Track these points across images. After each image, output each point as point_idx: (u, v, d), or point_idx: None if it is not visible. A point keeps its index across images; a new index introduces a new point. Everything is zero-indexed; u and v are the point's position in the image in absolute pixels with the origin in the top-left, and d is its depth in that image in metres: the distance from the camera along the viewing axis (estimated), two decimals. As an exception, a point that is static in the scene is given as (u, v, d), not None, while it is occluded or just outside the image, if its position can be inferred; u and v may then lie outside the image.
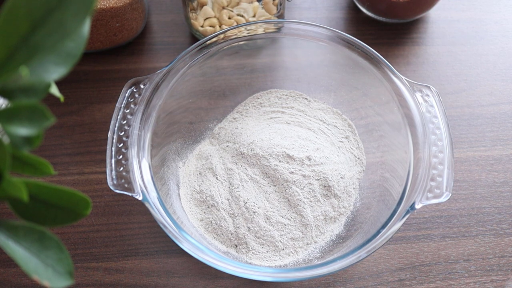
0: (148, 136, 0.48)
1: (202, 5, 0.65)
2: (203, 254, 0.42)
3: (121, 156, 0.45)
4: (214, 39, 0.53)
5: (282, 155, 0.52)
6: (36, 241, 0.25)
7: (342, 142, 0.57)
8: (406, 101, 0.49)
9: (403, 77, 0.50)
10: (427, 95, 0.48)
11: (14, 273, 0.51)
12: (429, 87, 0.49)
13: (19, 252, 0.24)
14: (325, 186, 0.52)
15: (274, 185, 0.52)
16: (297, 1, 0.73)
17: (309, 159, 0.52)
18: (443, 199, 0.42)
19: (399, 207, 0.43)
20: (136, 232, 0.54)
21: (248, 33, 0.55)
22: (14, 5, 0.21)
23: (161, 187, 0.49)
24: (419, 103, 0.48)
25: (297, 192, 0.51)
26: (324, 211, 0.51)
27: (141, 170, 0.45)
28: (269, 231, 0.50)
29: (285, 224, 0.50)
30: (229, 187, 0.52)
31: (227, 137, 0.57)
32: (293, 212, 0.51)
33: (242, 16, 0.64)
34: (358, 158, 0.56)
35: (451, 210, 0.55)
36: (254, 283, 0.50)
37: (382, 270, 0.51)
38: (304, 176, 0.52)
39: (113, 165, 0.45)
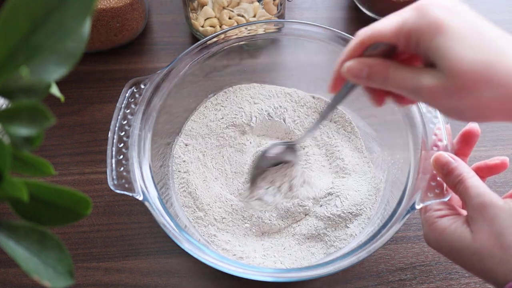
0: (148, 136, 0.48)
1: (202, 5, 0.65)
2: (204, 254, 0.42)
3: (121, 156, 0.45)
4: (215, 39, 0.54)
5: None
6: (36, 241, 0.25)
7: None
8: (406, 101, 0.49)
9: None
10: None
11: (15, 273, 0.51)
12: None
13: (20, 252, 0.24)
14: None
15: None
16: (298, 1, 0.73)
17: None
18: (443, 199, 0.42)
19: (400, 207, 0.43)
20: (136, 232, 0.54)
21: (248, 33, 0.55)
22: (15, 5, 0.21)
23: (161, 187, 0.49)
24: (419, 103, 0.48)
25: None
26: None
27: (141, 170, 0.45)
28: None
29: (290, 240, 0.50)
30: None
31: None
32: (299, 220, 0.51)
33: (242, 16, 0.64)
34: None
35: (452, 210, 0.55)
36: (254, 283, 0.50)
37: (382, 270, 0.51)
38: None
39: (113, 165, 0.45)
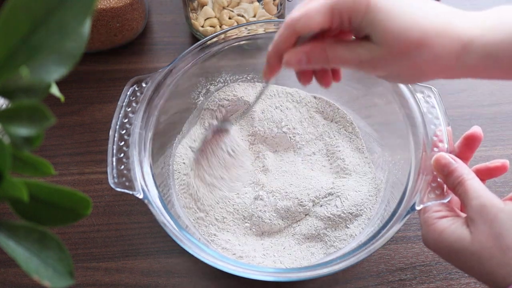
0: (149, 135, 0.48)
1: (202, 5, 0.65)
2: (204, 253, 0.41)
3: (122, 155, 0.45)
4: (215, 39, 0.54)
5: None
6: (36, 241, 0.25)
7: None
8: (407, 102, 0.48)
9: (404, 78, 0.50)
10: (429, 96, 0.48)
11: (15, 273, 0.51)
12: (430, 88, 0.49)
13: (20, 252, 0.24)
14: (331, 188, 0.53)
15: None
16: (298, 1, 0.73)
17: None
18: (443, 200, 0.42)
19: (400, 208, 0.43)
20: (136, 232, 0.54)
21: (248, 33, 0.55)
22: (15, 5, 0.21)
23: (161, 185, 0.49)
24: (420, 104, 0.48)
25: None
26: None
27: (142, 168, 0.45)
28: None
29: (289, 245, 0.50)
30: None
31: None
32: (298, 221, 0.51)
33: (242, 16, 0.64)
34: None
35: (452, 210, 0.55)
36: (255, 283, 0.50)
37: (382, 270, 0.51)
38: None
39: (114, 163, 0.45)
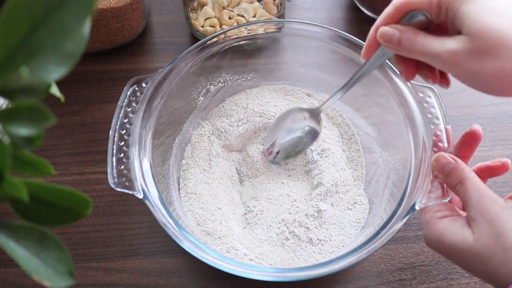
0: (149, 135, 0.48)
1: (202, 5, 0.65)
2: (204, 253, 0.41)
3: (122, 154, 0.45)
4: (215, 39, 0.54)
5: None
6: (36, 241, 0.25)
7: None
8: (407, 102, 0.48)
9: (405, 78, 0.50)
10: (429, 96, 0.48)
11: (15, 273, 0.51)
12: (431, 88, 0.49)
13: (20, 252, 0.24)
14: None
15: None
16: (298, 1, 0.73)
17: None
18: (443, 200, 0.42)
19: (400, 208, 0.43)
20: (136, 232, 0.54)
21: (248, 33, 0.55)
22: (15, 5, 0.21)
23: (161, 185, 0.49)
24: (420, 104, 0.48)
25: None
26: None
27: (142, 168, 0.45)
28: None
29: (288, 239, 0.50)
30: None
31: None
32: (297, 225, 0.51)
33: (242, 16, 0.64)
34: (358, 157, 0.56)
35: (452, 210, 0.55)
36: (254, 283, 0.50)
37: (382, 270, 0.51)
38: None
39: (114, 163, 0.45)
